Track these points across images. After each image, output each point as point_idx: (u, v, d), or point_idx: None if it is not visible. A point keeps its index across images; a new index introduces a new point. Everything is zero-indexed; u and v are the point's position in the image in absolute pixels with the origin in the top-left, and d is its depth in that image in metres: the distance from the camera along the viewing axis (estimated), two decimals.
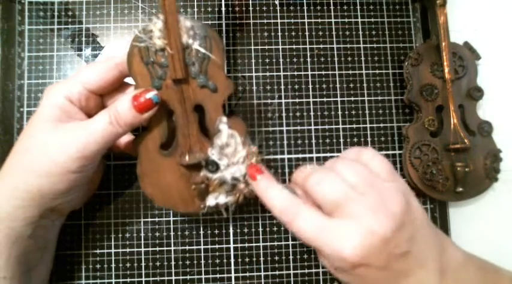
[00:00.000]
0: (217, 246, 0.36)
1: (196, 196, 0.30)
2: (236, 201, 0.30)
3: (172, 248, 0.35)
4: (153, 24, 0.27)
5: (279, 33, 0.39)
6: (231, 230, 0.36)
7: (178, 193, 0.30)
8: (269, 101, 0.38)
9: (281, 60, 0.38)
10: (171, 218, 0.36)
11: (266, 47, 0.38)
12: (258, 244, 0.36)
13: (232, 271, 0.36)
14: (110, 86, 0.30)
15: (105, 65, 0.29)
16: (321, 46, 0.39)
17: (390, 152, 0.38)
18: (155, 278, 0.35)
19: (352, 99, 0.38)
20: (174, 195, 0.30)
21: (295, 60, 0.38)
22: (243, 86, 0.38)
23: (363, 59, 0.39)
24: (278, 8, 0.39)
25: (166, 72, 0.28)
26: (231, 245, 0.36)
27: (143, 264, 0.35)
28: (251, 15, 0.39)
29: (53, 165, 0.26)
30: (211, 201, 0.30)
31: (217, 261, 0.36)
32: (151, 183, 0.30)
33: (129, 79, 0.29)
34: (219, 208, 0.30)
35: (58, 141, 0.26)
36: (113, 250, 0.35)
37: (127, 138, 0.33)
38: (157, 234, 0.35)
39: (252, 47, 0.38)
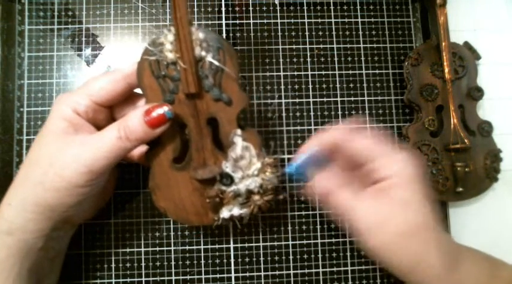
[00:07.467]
0: (217, 246, 0.36)
1: (210, 209, 0.29)
2: (251, 212, 0.29)
3: (172, 248, 0.35)
4: (164, 37, 0.26)
5: (279, 33, 0.39)
6: (231, 231, 0.36)
7: (191, 206, 0.30)
8: (269, 101, 0.38)
9: (281, 60, 0.38)
10: (171, 219, 0.36)
11: (266, 47, 0.38)
12: (258, 244, 0.36)
13: (232, 271, 0.36)
14: (118, 98, 0.29)
15: (112, 77, 0.28)
16: (321, 46, 0.39)
17: None
18: (155, 278, 0.35)
19: (352, 99, 0.38)
20: (188, 208, 0.30)
21: (295, 60, 0.38)
22: (243, 86, 0.38)
23: (363, 59, 0.39)
24: (278, 8, 0.39)
25: (178, 85, 0.27)
26: (231, 245, 0.36)
27: (143, 264, 0.35)
28: (251, 15, 0.39)
29: (60, 179, 0.25)
30: (225, 213, 0.29)
31: (217, 261, 0.36)
32: (164, 196, 0.29)
33: (139, 90, 0.29)
34: (233, 220, 0.30)
35: (65, 156, 0.26)
36: (113, 250, 0.35)
37: (140, 148, 0.32)
38: (157, 234, 0.35)
39: (252, 47, 0.38)
